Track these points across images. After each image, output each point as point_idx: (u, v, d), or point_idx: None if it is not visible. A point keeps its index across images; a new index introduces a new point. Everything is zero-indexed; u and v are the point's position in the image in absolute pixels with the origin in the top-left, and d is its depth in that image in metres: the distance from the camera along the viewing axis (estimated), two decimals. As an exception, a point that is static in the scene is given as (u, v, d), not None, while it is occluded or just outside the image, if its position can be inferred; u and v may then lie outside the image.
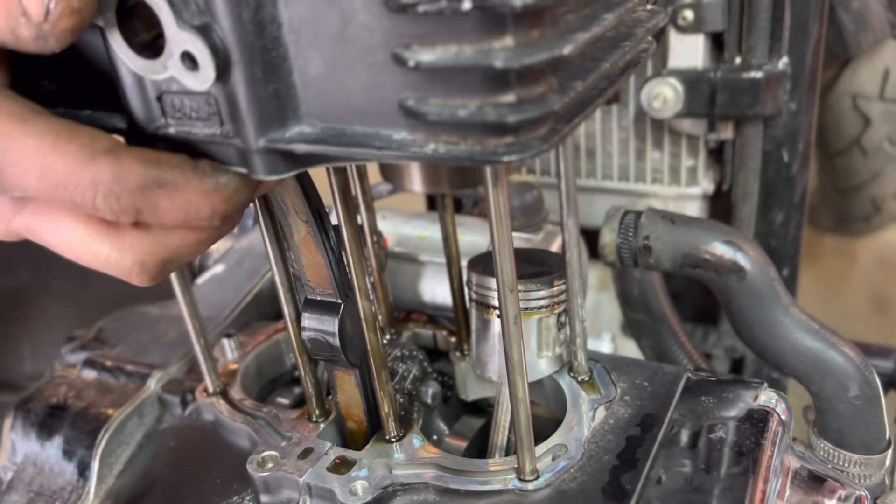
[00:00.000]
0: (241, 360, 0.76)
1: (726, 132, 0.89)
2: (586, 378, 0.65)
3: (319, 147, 0.40)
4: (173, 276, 0.64)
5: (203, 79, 0.39)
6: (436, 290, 0.80)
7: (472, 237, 0.83)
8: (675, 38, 0.87)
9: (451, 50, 0.36)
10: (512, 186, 0.79)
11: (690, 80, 0.86)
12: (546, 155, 1.01)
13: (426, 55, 0.36)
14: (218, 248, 1.12)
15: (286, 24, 0.38)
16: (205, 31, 0.38)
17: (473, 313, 0.66)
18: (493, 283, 0.64)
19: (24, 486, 0.72)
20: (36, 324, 1.05)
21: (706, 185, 0.95)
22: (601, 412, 0.62)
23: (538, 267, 0.65)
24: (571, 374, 0.66)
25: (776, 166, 0.89)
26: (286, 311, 0.60)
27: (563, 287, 0.63)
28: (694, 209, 0.95)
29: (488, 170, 0.44)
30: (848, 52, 1.25)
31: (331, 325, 0.58)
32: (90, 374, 0.78)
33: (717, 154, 0.95)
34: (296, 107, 0.40)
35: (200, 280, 0.90)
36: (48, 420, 0.73)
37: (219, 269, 0.90)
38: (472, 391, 0.71)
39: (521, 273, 0.64)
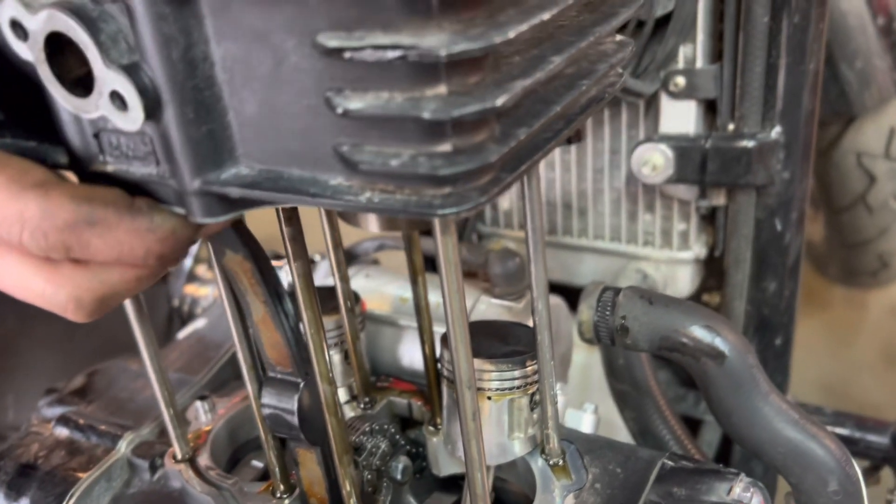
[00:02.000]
0: (214, 422, 0.75)
1: (718, 199, 0.88)
2: (559, 462, 0.64)
3: (254, 192, 0.39)
4: (141, 345, 0.63)
5: (132, 119, 0.37)
6: (414, 356, 0.79)
7: (455, 301, 0.82)
8: (666, 104, 0.85)
9: (382, 97, 0.34)
10: (494, 253, 0.77)
11: (681, 146, 0.84)
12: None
13: (356, 102, 0.35)
14: (207, 295, 1.11)
15: (219, 62, 0.37)
16: (133, 71, 0.36)
17: (445, 390, 0.65)
18: (463, 361, 0.62)
19: (-9, 546, 0.71)
20: (20, 374, 1.05)
21: (698, 249, 0.93)
22: (570, 500, 0.60)
23: (512, 345, 0.63)
24: (544, 456, 0.64)
25: (769, 234, 0.87)
26: (249, 387, 0.59)
27: (536, 367, 0.62)
28: (686, 273, 0.94)
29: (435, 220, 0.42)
30: (852, 110, 1.24)
31: (290, 403, 0.57)
32: (63, 432, 0.77)
33: (709, 219, 0.93)
34: (232, 148, 0.39)
35: (182, 334, 0.89)
36: (17, 479, 0.73)
37: (200, 323, 0.90)
38: (444, 467, 0.70)
39: (494, 351, 0.63)
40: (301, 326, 0.55)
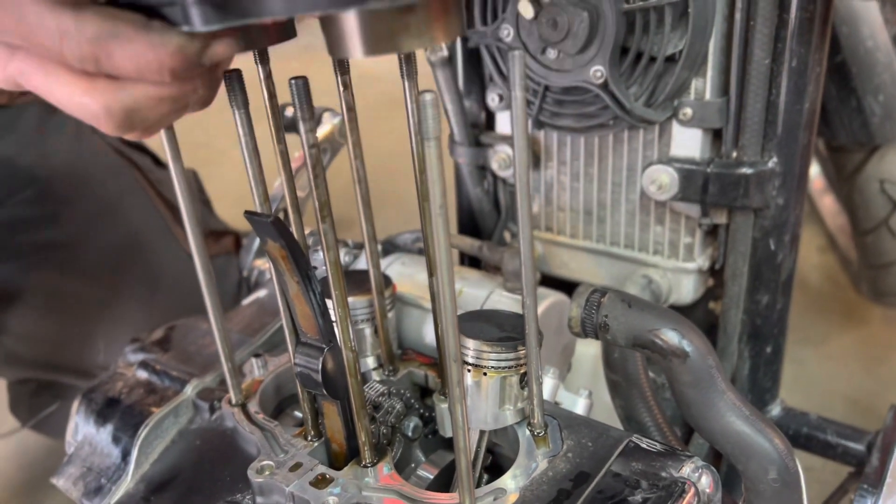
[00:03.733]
0: (264, 377, 0.90)
1: (720, 217, 0.98)
2: (541, 433, 0.76)
3: None
4: (209, 307, 0.78)
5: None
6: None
7: (474, 291, 0.95)
8: (677, 130, 0.96)
9: None
10: (507, 252, 0.90)
11: (686, 169, 0.94)
12: (554, 211, 1.11)
13: None
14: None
15: None
16: None
17: (452, 364, 0.78)
18: (467, 342, 0.75)
19: (80, 461, 0.88)
20: (111, 324, 1.23)
21: (702, 261, 1.03)
22: (543, 464, 0.72)
23: (509, 332, 0.76)
24: (530, 428, 0.76)
25: (764, 252, 0.96)
26: (290, 348, 0.74)
27: (522, 356, 0.74)
28: (689, 282, 1.03)
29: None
30: (875, 140, 1.30)
31: (315, 364, 0.70)
32: (142, 375, 0.93)
33: (712, 234, 1.03)
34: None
35: (246, 301, 1.05)
36: (104, 410, 0.89)
37: (262, 293, 1.05)
38: (449, 429, 0.83)
39: (493, 335, 0.75)
40: (329, 303, 0.68)
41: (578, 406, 0.90)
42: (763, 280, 0.98)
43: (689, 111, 0.93)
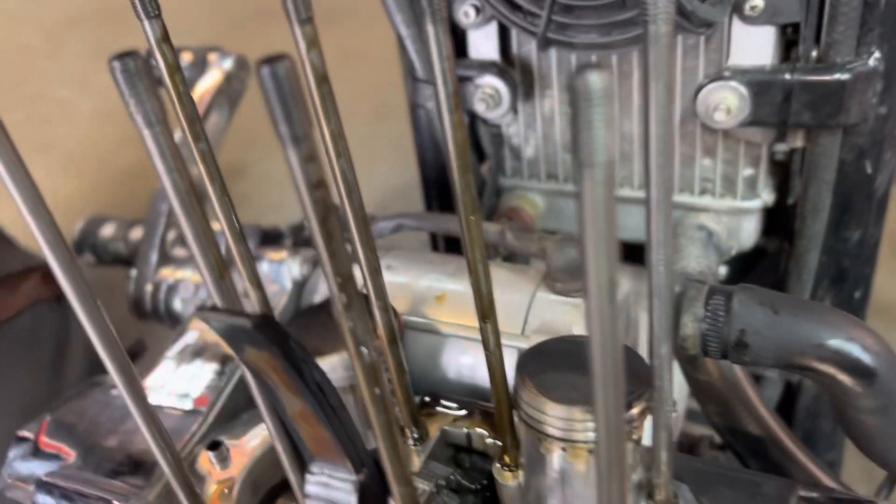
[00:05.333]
0: (231, 474, 0.62)
1: (797, 140, 0.74)
2: (672, 506, 0.53)
3: None
4: (122, 388, 0.47)
5: None
6: (461, 366, 0.66)
7: (508, 295, 0.68)
8: (739, 31, 0.70)
9: None
10: (551, 241, 0.63)
11: (758, 82, 0.70)
12: (557, 153, 0.85)
13: None
14: (186, 279, 0.96)
15: None
16: None
17: (524, 433, 0.52)
18: (553, 409, 0.50)
19: None
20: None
21: (767, 196, 0.80)
22: (697, 567, 0.49)
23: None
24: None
25: (856, 178, 0.74)
26: (291, 477, 0.46)
27: (647, 402, 0.50)
28: (751, 224, 0.81)
29: None
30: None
31: (346, 499, 0.44)
32: (47, 502, 0.63)
33: (782, 162, 0.80)
34: None
35: (172, 351, 0.74)
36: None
37: (190, 337, 0.75)
38: (521, 512, 0.58)
39: (589, 399, 0.50)
40: (353, 419, 0.41)
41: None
42: (854, 212, 0.76)
43: (759, 2, 0.67)
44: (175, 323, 0.94)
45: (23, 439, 0.70)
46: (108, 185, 1.97)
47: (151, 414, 0.46)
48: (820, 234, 0.78)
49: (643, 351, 0.83)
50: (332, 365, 0.57)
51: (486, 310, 0.52)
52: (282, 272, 0.74)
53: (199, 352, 0.74)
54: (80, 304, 0.39)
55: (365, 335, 0.36)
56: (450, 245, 0.93)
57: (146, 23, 0.45)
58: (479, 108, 0.81)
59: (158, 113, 0.33)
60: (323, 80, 0.43)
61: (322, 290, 0.71)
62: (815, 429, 0.92)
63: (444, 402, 0.64)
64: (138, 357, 0.76)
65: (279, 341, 0.36)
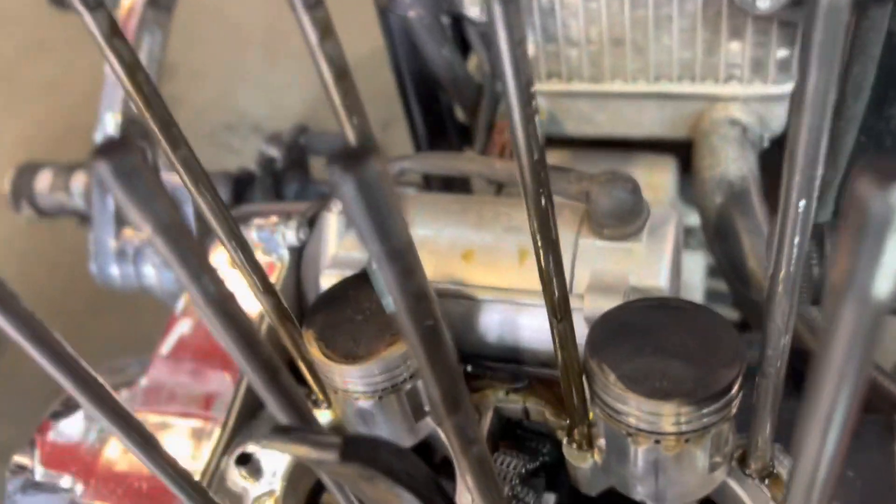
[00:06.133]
0: (268, 480, 0.55)
1: (841, 14, 0.65)
2: (771, 470, 0.49)
3: None
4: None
5: None
6: (503, 330, 0.59)
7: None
8: None
9: None
10: (597, 182, 0.55)
11: (805, -47, 0.59)
12: (560, 49, 0.74)
13: None
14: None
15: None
16: None
17: (601, 417, 0.47)
18: (642, 404, 0.44)
19: None
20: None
21: (801, 78, 0.71)
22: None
23: (703, 355, 0.45)
24: (747, 473, 0.49)
25: (905, 51, 0.66)
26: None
27: (741, 385, 0.44)
28: (783, 109, 0.73)
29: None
30: None
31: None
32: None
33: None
34: None
35: (165, 347, 0.66)
36: None
37: (185, 326, 0.66)
38: (596, 487, 0.54)
39: (680, 389, 0.44)
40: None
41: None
42: (900, 88, 0.69)
43: None
44: (148, 293, 0.84)
45: (20, 468, 0.62)
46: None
47: (161, 453, 0.38)
48: (860, 114, 0.71)
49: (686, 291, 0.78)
50: (368, 370, 0.49)
51: (548, 281, 0.43)
52: (275, 240, 0.64)
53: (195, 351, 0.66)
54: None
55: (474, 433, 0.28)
56: (444, 183, 0.83)
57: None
58: (472, 12, 0.69)
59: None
60: (343, 74, 0.33)
61: (327, 255, 0.62)
62: None
63: (490, 369, 0.58)
64: None
65: (371, 461, 0.28)
